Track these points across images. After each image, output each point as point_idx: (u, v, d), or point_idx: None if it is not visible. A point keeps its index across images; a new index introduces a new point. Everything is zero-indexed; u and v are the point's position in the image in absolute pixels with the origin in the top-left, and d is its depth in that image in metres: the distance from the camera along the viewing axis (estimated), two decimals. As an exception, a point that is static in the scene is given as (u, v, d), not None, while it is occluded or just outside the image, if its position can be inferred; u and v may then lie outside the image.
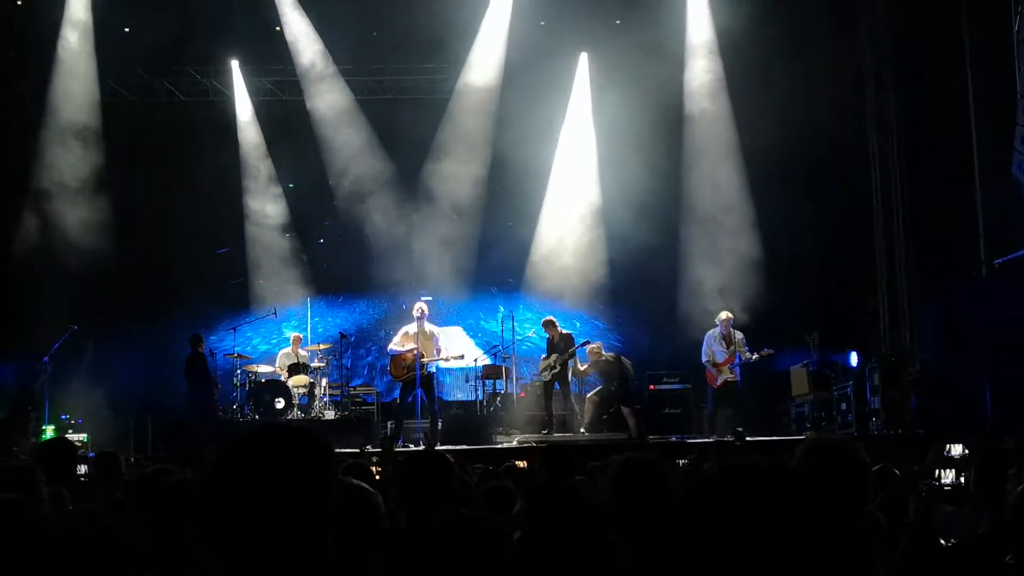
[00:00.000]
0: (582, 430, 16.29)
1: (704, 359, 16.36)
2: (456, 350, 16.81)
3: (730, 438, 15.05)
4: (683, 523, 1.54)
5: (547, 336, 16.70)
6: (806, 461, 3.66)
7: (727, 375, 16.09)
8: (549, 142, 20.67)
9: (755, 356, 16.05)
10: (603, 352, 16.56)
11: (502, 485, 5.08)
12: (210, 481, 1.95)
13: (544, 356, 16.72)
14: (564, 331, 16.72)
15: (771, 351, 16.22)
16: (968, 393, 14.85)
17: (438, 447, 14.63)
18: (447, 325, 18.95)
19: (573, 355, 16.39)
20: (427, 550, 2.76)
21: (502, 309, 19.05)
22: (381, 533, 3.31)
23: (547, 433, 16.00)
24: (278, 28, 20.01)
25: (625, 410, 16.15)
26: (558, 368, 16.28)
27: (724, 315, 16.36)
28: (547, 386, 16.56)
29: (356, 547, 3.12)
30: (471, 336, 20.62)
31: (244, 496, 1.90)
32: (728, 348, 16.08)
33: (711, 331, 16.39)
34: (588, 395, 16.57)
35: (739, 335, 16.26)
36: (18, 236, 18.68)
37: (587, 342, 16.60)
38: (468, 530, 2.78)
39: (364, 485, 3.36)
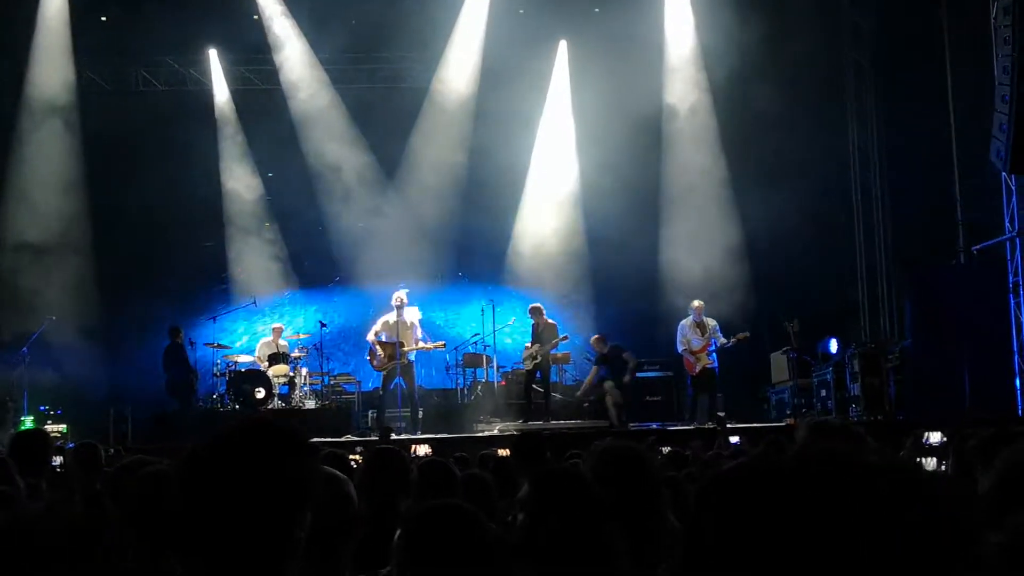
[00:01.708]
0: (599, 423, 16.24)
1: (680, 348, 16.53)
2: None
3: (711, 425, 15.10)
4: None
5: (532, 323, 16.71)
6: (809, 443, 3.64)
7: (705, 362, 16.31)
8: (529, 130, 20.65)
9: (731, 341, 16.26)
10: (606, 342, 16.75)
11: (479, 475, 5.10)
12: (183, 473, 1.95)
13: (528, 344, 16.70)
14: (549, 320, 16.70)
15: (746, 334, 16.45)
16: (947, 379, 14.94)
17: (418, 435, 14.66)
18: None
19: (556, 346, 16.43)
20: (409, 538, 2.76)
21: (482, 301, 19.01)
22: (351, 520, 3.30)
23: (524, 421, 16.00)
24: (256, 16, 19.90)
25: (616, 395, 16.29)
26: (539, 359, 16.30)
27: (697, 303, 16.57)
28: (529, 375, 16.57)
29: (326, 535, 3.12)
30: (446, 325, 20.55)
31: (215, 488, 1.90)
32: (703, 336, 16.24)
33: (684, 320, 16.61)
34: (608, 388, 16.48)
35: (712, 322, 16.50)
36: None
37: (565, 337, 16.64)
38: (445, 517, 2.78)
39: (336, 472, 3.35)
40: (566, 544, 3.12)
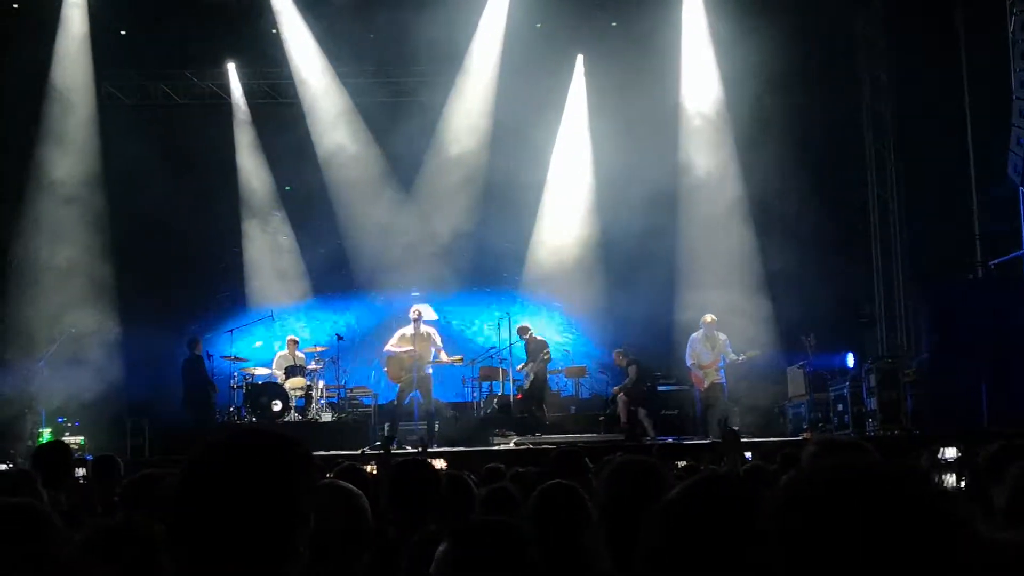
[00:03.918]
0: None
1: (689, 362, 16.44)
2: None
3: (721, 439, 15.05)
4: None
5: (523, 341, 16.81)
6: (816, 461, 3.65)
7: (713, 377, 16.20)
8: (546, 143, 20.69)
9: (740, 357, 16.17)
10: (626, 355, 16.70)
11: (503, 488, 5.09)
12: (179, 484, 1.99)
13: (522, 363, 16.79)
14: (537, 337, 16.77)
15: (756, 352, 16.38)
16: (964, 394, 14.87)
17: (433, 449, 14.65)
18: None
19: (548, 361, 16.48)
20: (453, 556, 2.79)
21: (497, 312, 19.04)
22: (366, 534, 3.33)
23: (519, 435, 15.87)
24: (274, 30, 20.00)
25: (642, 411, 16.27)
26: (532, 376, 16.36)
27: (708, 317, 16.44)
28: (525, 391, 16.64)
29: (340, 548, 3.15)
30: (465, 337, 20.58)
31: (209, 500, 1.95)
32: (713, 350, 16.17)
33: (695, 334, 16.50)
34: (617, 394, 16.58)
35: (722, 337, 16.34)
36: (13, 238, 18.66)
37: (547, 352, 16.71)
38: (491, 534, 2.83)
39: (350, 487, 3.38)
40: (558, 551, 3.20)
